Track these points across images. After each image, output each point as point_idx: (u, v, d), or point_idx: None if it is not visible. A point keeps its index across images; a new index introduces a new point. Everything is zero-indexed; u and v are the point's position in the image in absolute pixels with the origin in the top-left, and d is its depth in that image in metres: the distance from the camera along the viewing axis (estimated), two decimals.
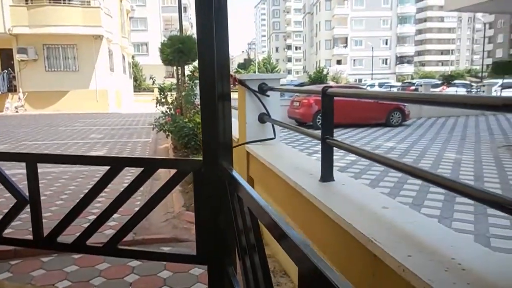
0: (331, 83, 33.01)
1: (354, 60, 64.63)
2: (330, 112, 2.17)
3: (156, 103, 7.98)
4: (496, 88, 22.03)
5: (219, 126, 1.64)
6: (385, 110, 13.88)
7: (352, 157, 7.94)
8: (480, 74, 46.60)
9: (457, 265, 1.25)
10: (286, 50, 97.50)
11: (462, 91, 22.79)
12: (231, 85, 3.87)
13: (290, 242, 0.80)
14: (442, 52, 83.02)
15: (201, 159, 1.54)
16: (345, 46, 64.72)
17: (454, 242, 1.43)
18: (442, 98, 1.44)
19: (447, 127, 13.81)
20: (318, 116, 13.09)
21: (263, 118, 3.55)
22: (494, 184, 6.21)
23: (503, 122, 15.50)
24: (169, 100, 8.08)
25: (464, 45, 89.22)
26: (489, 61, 64.73)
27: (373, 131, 12.82)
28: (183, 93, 7.54)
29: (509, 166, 7.49)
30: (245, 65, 75.53)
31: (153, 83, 8.22)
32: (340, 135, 12.05)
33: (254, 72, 54.04)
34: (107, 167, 1.89)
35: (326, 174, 2.25)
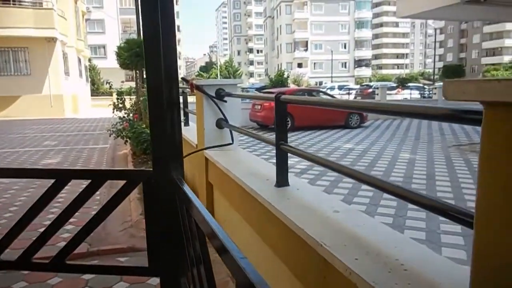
0: (292, 86, 33.51)
1: (314, 63, 66.00)
2: (283, 119, 2.20)
3: (113, 109, 7.76)
4: None
5: (168, 134, 1.61)
6: (344, 113, 14.26)
7: None
8: (432, 77, 49.01)
9: (400, 266, 1.31)
10: (248, 53, 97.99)
11: (415, 93, 23.86)
12: (190, 91, 3.84)
13: (229, 256, 0.80)
14: (397, 56, 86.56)
15: (151, 169, 1.50)
16: (306, 50, 65.99)
17: (398, 243, 1.49)
18: (388, 106, 1.50)
19: (402, 128, 14.38)
20: None
21: (221, 123, 3.55)
22: (444, 182, 6.52)
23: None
24: (127, 105, 7.88)
25: (418, 49, 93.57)
26: (440, 64, 68.25)
27: (333, 133, 13.13)
28: (142, 98, 7.38)
29: (458, 165, 7.91)
30: (207, 68, 75.23)
31: (110, 87, 8.00)
32: (301, 137, 12.25)
33: (216, 75, 53.94)
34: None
35: (281, 179, 2.28)
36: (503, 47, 65.30)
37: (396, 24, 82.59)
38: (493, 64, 59.14)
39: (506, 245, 0.78)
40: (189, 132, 4.82)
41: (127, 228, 3.90)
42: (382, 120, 17.35)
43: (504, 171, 0.75)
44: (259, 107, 13.78)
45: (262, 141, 2.71)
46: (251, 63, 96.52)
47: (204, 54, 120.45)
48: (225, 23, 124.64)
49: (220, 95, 3.51)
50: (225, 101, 3.54)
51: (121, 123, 7.59)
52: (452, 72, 29.11)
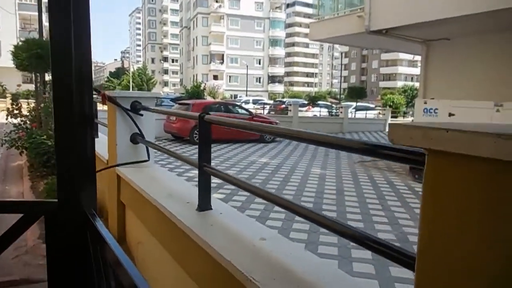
0: (209, 98, 33.40)
1: (230, 76, 66.85)
2: (207, 140, 2.10)
3: (7, 115, 6.87)
4: (351, 110, 25.21)
5: (79, 156, 1.38)
6: None
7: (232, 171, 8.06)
8: (338, 96, 52.92)
9: None
10: (162, 61, 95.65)
11: (324, 111, 25.46)
12: (101, 103, 3.53)
13: None
14: (307, 75, 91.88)
15: (56, 200, 1.26)
16: (222, 63, 66.58)
17: (326, 275, 1.47)
18: (304, 134, 1.48)
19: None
20: (196, 131, 13.06)
21: (136, 138, 3.31)
22: (352, 197, 6.94)
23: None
24: (24, 112, 7.04)
25: (325, 70, 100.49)
26: (345, 85, 74.06)
27: (248, 147, 13.30)
28: (42, 105, 6.66)
29: (363, 180, 8.52)
30: (118, 74, 71.50)
31: (3, 91, 7.09)
32: (217, 150, 12.17)
33: (128, 82, 51.51)
34: None
35: (204, 203, 2.16)
36: (396, 73, 73.27)
37: (307, 45, 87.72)
38: (388, 88, 65.97)
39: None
40: (98, 145, 4.43)
41: (21, 255, 3.41)
42: None
43: (446, 218, 0.75)
44: (174, 118, 13.41)
45: (184, 162, 2.57)
46: (166, 72, 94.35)
47: (115, 59, 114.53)
48: (139, 29, 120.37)
49: (136, 108, 3.28)
50: (141, 115, 3.32)
51: (16, 131, 6.74)
52: (356, 93, 32.03)
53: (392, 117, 25.60)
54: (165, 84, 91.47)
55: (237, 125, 1.91)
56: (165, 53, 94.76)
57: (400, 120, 26.33)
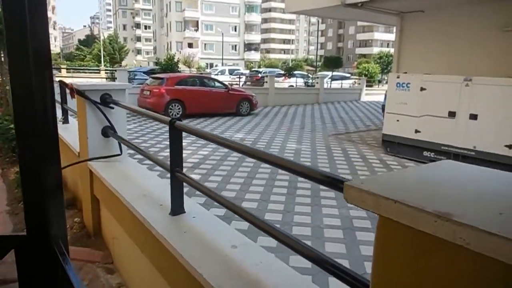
0: (183, 68, 32.70)
1: (205, 44, 65.26)
2: (179, 146, 2.10)
3: None
4: (327, 80, 25.25)
5: (47, 175, 1.32)
6: (235, 100, 14.48)
7: (208, 148, 8.10)
8: (315, 64, 52.72)
9: None
10: (134, 28, 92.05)
11: (300, 81, 25.42)
12: (71, 97, 3.43)
13: None
14: (284, 41, 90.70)
15: (24, 233, 1.24)
16: (196, 30, 64.71)
17: (294, 281, 1.55)
18: (271, 157, 1.52)
19: (289, 116, 15.21)
20: (170, 106, 12.88)
21: (108, 132, 3.26)
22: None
23: (332, 110, 17.86)
24: None
25: (302, 36, 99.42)
26: (322, 52, 73.69)
27: (224, 121, 13.25)
28: (8, 87, 6.39)
29: (337, 154, 8.70)
30: (88, 41, 68.72)
31: None
32: (194, 125, 12.07)
33: (99, 50, 49.59)
34: None
35: (176, 207, 2.19)
36: (373, 39, 73.29)
37: (283, 11, 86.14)
38: (364, 55, 66.10)
39: None
40: (69, 133, 4.33)
41: None
42: (271, 107, 18.11)
43: (393, 276, 0.81)
44: (148, 93, 13.15)
45: (155, 163, 2.57)
46: (139, 39, 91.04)
47: (85, 26, 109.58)
48: None
49: (106, 101, 3.21)
50: (112, 108, 3.26)
51: None
52: (332, 63, 32.06)
53: (367, 86, 25.84)
54: (138, 52, 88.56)
55: (207, 136, 1.92)
56: (137, 19, 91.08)
57: (375, 88, 26.62)
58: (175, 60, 19.98)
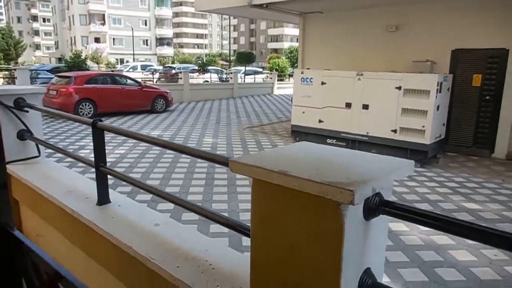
0: (91, 64, 31.01)
1: (114, 38, 62.17)
2: (101, 144, 2.38)
3: None
4: (241, 75, 26.02)
5: None
6: (150, 97, 14.40)
7: (124, 147, 8.13)
8: (229, 58, 53.46)
9: (209, 266, 1.79)
10: (31, 21, 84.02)
11: (215, 77, 25.82)
12: None
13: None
14: (197, 36, 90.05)
15: None
16: (103, 24, 61.28)
17: (208, 247, 1.97)
18: (180, 147, 1.93)
19: (205, 111, 15.56)
20: (81, 106, 12.41)
21: (24, 135, 3.34)
22: None
23: (246, 104, 18.58)
24: None
25: (215, 31, 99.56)
26: (235, 46, 74.75)
27: (140, 119, 13.15)
28: None
29: (251, 146, 9.31)
30: None
31: None
32: (109, 123, 11.81)
33: None
34: None
35: (102, 197, 2.47)
36: (283, 35, 76.35)
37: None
38: (276, 50, 68.65)
39: (268, 255, 1.31)
40: None
41: None
42: (186, 103, 18.25)
43: (263, 215, 1.27)
44: (54, 92, 12.49)
45: (79, 161, 2.79)
46: (36, 33, 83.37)
47: None
48: None
49: (20, 105, 3.30)
50: (27, 111, 3.35)
51: None
52: (244, 58, 33.03)
53: (279, 80, 27.15)
54: (37, 47, 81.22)
55: (130, 134, 2.24)
56: (34, 11, 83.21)
57: (286, 82, 28.07)
58: (83, 57, 19.00)
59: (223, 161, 1.52)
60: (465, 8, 8.77)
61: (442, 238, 4.43)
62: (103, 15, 61.25)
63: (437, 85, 7.56)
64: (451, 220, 1.03)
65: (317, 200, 1.09)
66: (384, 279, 1.24)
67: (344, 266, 1.11)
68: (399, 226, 4.73)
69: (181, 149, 1.92)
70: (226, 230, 4.38)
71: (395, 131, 8.10)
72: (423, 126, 7.67)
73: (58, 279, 1.32)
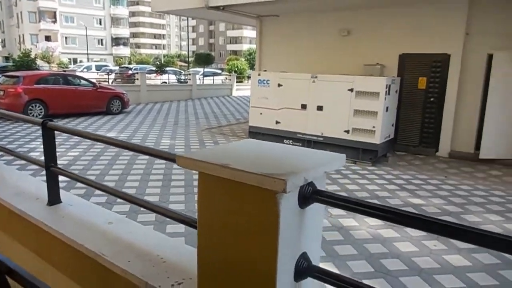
0: (42, 64, 29.61)
1: (66, 37, 59.61)
2: (52, 144, 2.37)
3: None
4: (200, 76, 25.89)
5: None
6: (105, 98, 14.03)
7: (78, 149, 7.92)
8: (187, 59, 52.92)
9: (160, 260, 1.85)
10: None
11: (173, 78, 25.53)
12: None
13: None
14: (155, 36, 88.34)
15: None
16: (54, 22, 58.60)
17: (159, 241, 2.04)
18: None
19: (163, 113, 15.37)
20: (30, 107, 11.89)
21: None
22: None
23: (205, 106, 18.54)
24: None
25: (174, 31, 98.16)
26: (194, 48, 74.11)
27: (94, 121, 12.78)
28: None
29: (209, 146, 9.35)
30: None
31: None
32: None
33: None
34: None
35: (53, 198, 2.46)
36: (242, 37, 76.65)
37: None
38: (235, 52, 68.84)
39: (214, 243, 1.40)
40: None
41: None
42: (144, 104, 17.93)
43: (208, 209, 1.36)
44: (1, 93, 11.89)
45: (29, 162, 2.74)
46: None
47: None
48: None
49: None
50: None
51: None
52: (203, 59, 32.97)
53: (237, 81, 27.30)
54: None
55: (82, 134, 2.26)
56: None
57: (245, 84, 28.27)
58: (32, 56, 18.14)
59: (171, 157, 1.60)
60: (410, 15, 9.32)
61: (389, 232, 4.72)
62: (54, 12, 58.59)
63: (386, 88, 7.98)
64: (369, 205, 1.18)
65: (256, 190, 1.20)
66: (334, 271, 1.37)
67: (280, 249, 1.22)
68: (350, 221, 4.98)
69: (129, 147, 1.98)
70: (182, 230, 4.44)
71: (348, 131, 8.45)
72: (374, 127, 8.07)
73: (8, 273, 1.34)
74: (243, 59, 41.41)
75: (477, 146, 8.74)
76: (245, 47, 70.36)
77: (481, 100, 8.75)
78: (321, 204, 1.33)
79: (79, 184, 5.84)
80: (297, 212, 1.29)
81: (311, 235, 1.41)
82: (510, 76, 8.29)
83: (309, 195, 1.27)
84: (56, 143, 2.40)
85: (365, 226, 4.85)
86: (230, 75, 27.51)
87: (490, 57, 8.52)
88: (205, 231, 1.40)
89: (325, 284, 1.34)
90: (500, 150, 8.48)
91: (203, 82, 25.25)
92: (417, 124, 9.49)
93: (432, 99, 9.28)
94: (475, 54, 8.70)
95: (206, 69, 29.72)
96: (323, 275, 1.32)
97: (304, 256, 1.36)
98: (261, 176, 1.16)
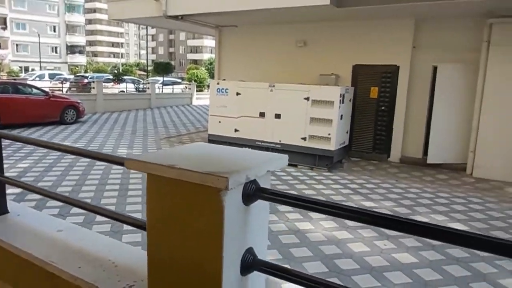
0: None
1: (17, 45, 56.89)
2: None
3: None
4: (159, 85, 25.58)
5: None
6: (58, 108, 13.54)
7: (29, 161, 7.60)
8: (146, 68, 52.10)
9: (112, 264, 1.86)
10: None
11: (131, 87, 25.04)
12: None
13: None
14: (113, 44, 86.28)
15: None
16: (4, 28, 55.75)
17: (111, 247, 2.04)
18: (81, 151, 2.00)
19: (120, 122, 15.03)
20: None
21: None
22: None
23: (164, 115, 18.33)
24: None
25: (133, 40, 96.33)
26: (154, 56, 73.08)
27: (47, 131, 12.30)
28: None
29: None
30: None
31: None
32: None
33: None
34: None
35: None
36: (203, 46, 76.59)
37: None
38: (196, 61, 68.63)
39: (162, 243, 1.45)
40: None
41: None
42: (100, 113, 17.46)
43: (157, 210, 1.41)
44: None
45: None
46: None
47: None
48: None
49: None
50: None
51: None
52: (162, 68, 32.66)
53: (198, 90, 27.23)
54: None
55: (36, 142, 2.22)
56: None
57: (205, 93, 28.25)
58: None
59: (119, 161, 1.63)
60: (362, 28, 9.78)
61: (343, 233, 4.90)
62: (5, 19, 55.84)
63: (340, 96, 8.30)
64: (309, 200, 1.28)
65: (201, 188, 1.26)
66: (278, 264, 1.45)
67: (226, 245, 1.29)
68: (306, 225, 5.12)
69: (75, 151, 1.97)
70: (139, 239, 4.40)
71: (304, 138, 8.68)
72: (329, 134, 8.35)
73: None
74: (203, 68, 41.38)
75: (425, 152, 9.27)
76: (205, 56, 70.37)
77: (428, 108, 9.31)
78: (265, 201, 1.42)
79: (29, 196, 5.62)
80: (241, 209, 1.37)
81: (257, 231, 1.48)
82: (453, 86, 8.90)
83: (253, 192, 1.35)
84: (4, 155, 2.32)
85: (321, 228, 5.01)
86: (190, 84, 27.39)
87: (435, 68, 9.11)
88: (154, 232, 1.44)
89: (270, 277, 1.42)
90: (446, 155, 9.04)
91: (162, 91, 24.96)
92: (370, 132, 9.91)
93: (383, 108, 9.74)
94: (421, 65, 9.28)
95: (166, 78, 29.43)
96: (267, 267, 1.40)
97: (250, 251, 1.43)
98: (205, 174, 1.23)
